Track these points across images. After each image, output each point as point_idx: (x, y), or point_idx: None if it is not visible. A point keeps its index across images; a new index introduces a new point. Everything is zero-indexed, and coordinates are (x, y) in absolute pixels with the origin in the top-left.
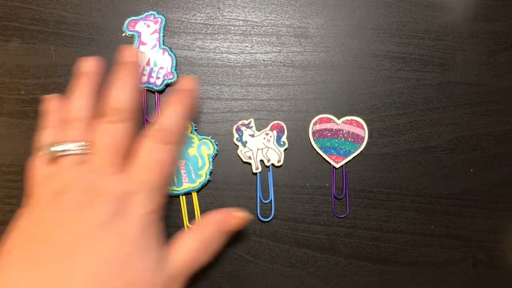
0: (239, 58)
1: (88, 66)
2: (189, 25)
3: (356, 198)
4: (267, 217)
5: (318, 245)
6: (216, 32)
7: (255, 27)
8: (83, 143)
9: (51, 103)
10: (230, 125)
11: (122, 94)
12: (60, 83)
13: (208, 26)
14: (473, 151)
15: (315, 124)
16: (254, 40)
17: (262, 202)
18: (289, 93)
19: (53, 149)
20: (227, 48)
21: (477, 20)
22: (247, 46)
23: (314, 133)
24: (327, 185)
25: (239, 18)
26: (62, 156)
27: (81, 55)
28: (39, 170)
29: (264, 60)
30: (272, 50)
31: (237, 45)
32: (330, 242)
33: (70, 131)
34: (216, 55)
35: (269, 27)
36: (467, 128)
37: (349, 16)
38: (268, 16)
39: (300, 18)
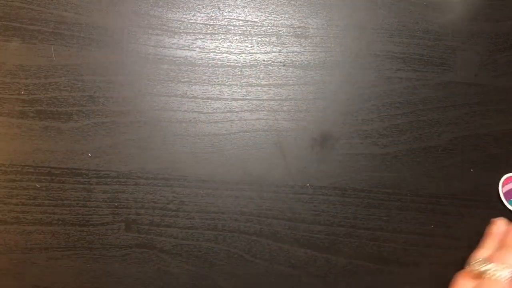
0: (239, 58)
1: None
2: (189, 25)
3: (356, 198)
4: None
5: (318, 245)
6: (216, 32)
7: (255, 27)
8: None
9: (497, 226)
10: (230, 125)
11: None
12: (60, 83)
13: (208, 26)
14: (473, 151)
15: (504, 185)
16: (254, 40)
17: None
18: (289, 93)
19: (482, 266)
20: (227, 48)
21: (477, 20)
22: (247, 46)
23: (506, 194)
24: None
25: (239, 18)
26: (488, 274)
27: (81, 55)
28: (463, 281)
29: (264, 60)
30: (272, 50)
31: (237, 45)
32: (330, 242)
33: (505, 255)
34: (216, 55)
35: (269, 27)
36: (467, 128)
37: (349, 16)
38: (268, 16)
39: (300, 18)
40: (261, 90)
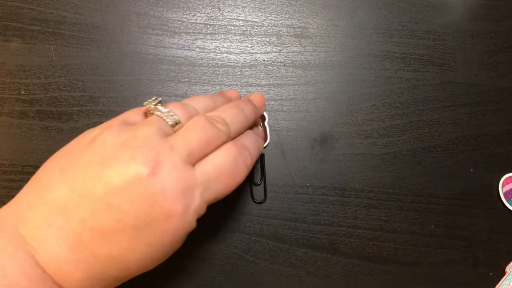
0: (239, 58)
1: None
2: (189, 25)
3: (356, 198)
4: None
5: (318, 245)
6: (216, 32)
7: (255, 27)
8: (175, 117)
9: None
10: None
11: (235, 116)
12: (60, 83)
13: (208, 26)
14: (473, 151)
15: (504, 185)
16: (254, 40)
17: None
18: (289, 93)
19: (155, 106)
20: (227, 48)
21: (477, 20)
22: (247, 46)
23: (506, 194)
24: None
25: (239, 18)
26: (157, 114)
27: (81, 55)
28: (132, 113)
29: (264, 60)
30: (272, 50)
31: (237, 45)
32: (330, 242)
33: (185, 107)
34: (216, 55)
35: (269, 27)
36: (467, 128)
37: (349, 16)
38: (268, 16)
39: (300, 18)
40: (261, 90)
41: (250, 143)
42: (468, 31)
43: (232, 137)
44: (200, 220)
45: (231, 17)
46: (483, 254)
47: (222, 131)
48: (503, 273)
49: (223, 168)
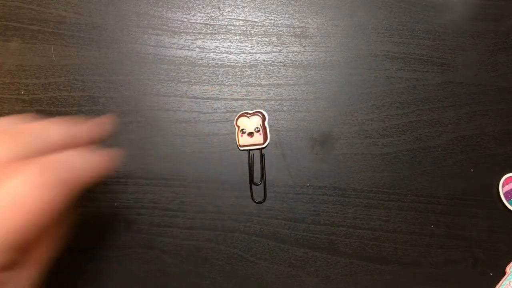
0: (239, 58)
1: None
2: (189, 25)
3: (356, 198)
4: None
5: (318, 245)
6: (216, 32)
7: (255, 27)
8: None
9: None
10: (230, 125)
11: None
12: (60, 83)
13: (208, 26)
14: (473, 151)
15: (504, 185)
16: (254, 40)
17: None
18: (289, 93)
19: None
20: (227, 48)
21: (477, 20)
22: (247, 46)
23: (506, 194)
24: None
25: (239, 18)
26: None
27: (81, 55)
28: None
29: (264, 60)
30: (272, 50)
31: (237, 45)
32: (330, 242)
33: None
34: (216, 55)
35: (269, 27)
36: (467, 128)
37: (349, 16)
38: (268, 16)
39: (300, 18)
40: (261, 90)
41: (68, 158)
42: (468, 31)
43: (34, 155)
44: (200, 220)
45: (231, 17)
46: (483, 254)
47: (14, 150)
48: (503, 273)
49: (18, 197)
